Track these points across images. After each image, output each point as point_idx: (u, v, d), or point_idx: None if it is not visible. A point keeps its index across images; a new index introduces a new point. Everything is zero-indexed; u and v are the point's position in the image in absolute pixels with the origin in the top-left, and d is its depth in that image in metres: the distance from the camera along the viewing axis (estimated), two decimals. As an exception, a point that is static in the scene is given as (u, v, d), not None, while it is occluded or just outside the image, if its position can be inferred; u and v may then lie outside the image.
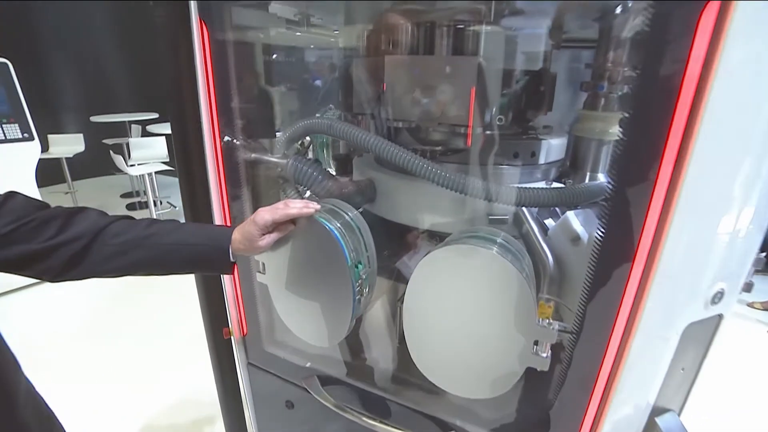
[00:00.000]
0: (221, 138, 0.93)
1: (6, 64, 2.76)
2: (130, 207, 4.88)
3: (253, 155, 0.97)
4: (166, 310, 2.70)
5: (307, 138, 1.28)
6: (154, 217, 3.81)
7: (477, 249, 0.66)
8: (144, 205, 4.78)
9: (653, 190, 0.53)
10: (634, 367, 0.65)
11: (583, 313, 0.66)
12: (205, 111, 0.92)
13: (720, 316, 0.73)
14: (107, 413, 1.98)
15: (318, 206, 0.72)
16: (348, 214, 0.82)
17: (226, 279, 1.11)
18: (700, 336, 0.73)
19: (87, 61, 5.49)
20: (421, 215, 0.96)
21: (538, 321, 0.64)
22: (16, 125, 2.84)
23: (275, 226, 0.72)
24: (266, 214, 0.70)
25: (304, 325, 0.88)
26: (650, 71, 0.51)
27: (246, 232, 0.71)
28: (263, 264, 0.87)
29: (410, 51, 0.91)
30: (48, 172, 4.45)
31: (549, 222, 1.00)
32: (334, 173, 1.34)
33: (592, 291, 0.65)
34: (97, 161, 5.09)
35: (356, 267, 0.78)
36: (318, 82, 1.53)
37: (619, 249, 0.60)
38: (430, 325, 0.73)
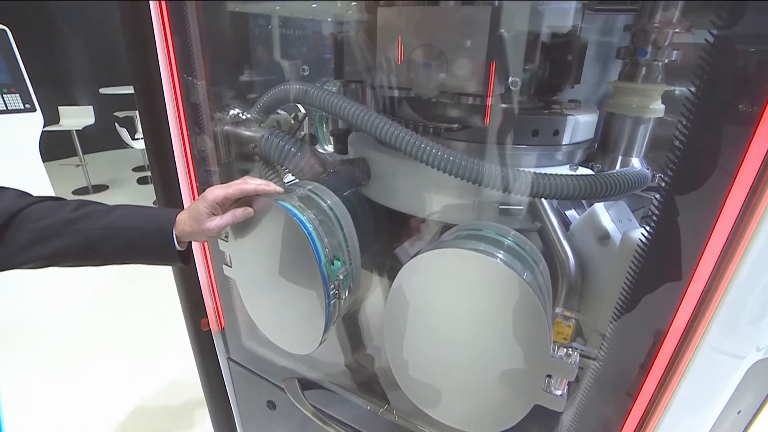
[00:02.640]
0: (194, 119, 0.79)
1: (5, 30, 2.66)
2: (142, 181, 4.84)
3: (225, 127, 0.83)
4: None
5: (302, 110, 1.13)
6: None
7: (477, 255, 0.51)
8: (154, 180, 4.74)
9: (731, 186, 0.37)
10: (681, 410, 0.50)
11: (615, 336, 0.51)
12: (166, 78, 0.78)
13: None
14: (102, 389, 1.94)
15: (280, 189, 0.60)
16: (326, 202, 0.68)
17: (200, 268, 0.99)
18: (763, 375, 0.57)
19: (98, 33, 5.39)
20: (420, 202, 0.81)
21: (553, 350, 0.49)
22: (17, 95, 2.76)
23: (229, 204, 0.61)
24: (218, 189, 0.60)
25: (274, 328, 0.75)
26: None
27: (193, 210, 0.59)
28: (229, 255, 0.74)
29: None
30: (59, 144, 4.44)
31: (572, 214, 0.84)
32: (330, 150, 1.19)
33: (628, 310, 0.49)
34: (109, 134, 5.03)
35: (332, 264, 0.64)
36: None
37: (673, 258, 0.44)
38: (417, 343, 0.59)
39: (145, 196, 4.30)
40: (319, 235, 0.62)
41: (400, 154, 0.68)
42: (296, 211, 0.62)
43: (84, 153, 4.47)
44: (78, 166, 4.59)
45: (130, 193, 4.52)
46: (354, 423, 0.89)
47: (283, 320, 0.71)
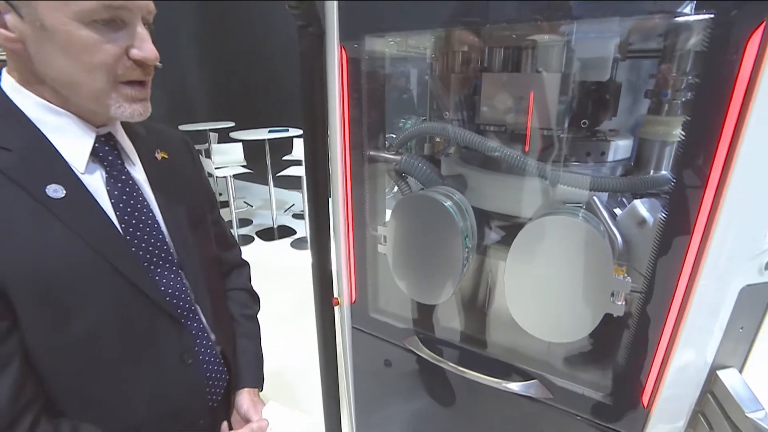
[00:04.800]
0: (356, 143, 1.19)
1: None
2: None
3: (371, 152, 1.22)
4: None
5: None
6: (234, 213, 4.24)
7: (566, 218, 0.86)
8: (222, 205, 5.31)
9: (709, 174, 0.72)
10: (695, 321, 0.83)
11: (652, 273, 0.85)
12: (339, 118, 1.19)
13: (775, 282, 0.89)
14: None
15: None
16: (456, 196, 1.05)
17: (342, 255, 1.37)
18: (757, 299, 0.89)
19: (172, 75, 6.16)
20: (505, 203, 1.17)
21: (615, 276, 0.83)
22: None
23: None
24: None
25: (416, 287, 1.12)
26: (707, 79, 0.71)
27: None
28: (384, 237, 1.12)
29: (500, 68, 1.14)
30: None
31: (617, 211, 1.18)
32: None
33: (659, 252, 0.84)
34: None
35: (464, 239, 1.00)
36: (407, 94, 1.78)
37: (681, 220, 0.78)
38: (526, 281, 0.94)
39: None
40: (458, 217, 0.99)
41: (485, 170, 1.04)
42: (443, 200, 0.99)
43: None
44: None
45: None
46: (461, 365, 1.22)
47: (426, 280, 1.07)
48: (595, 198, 1.09)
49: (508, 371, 1.13)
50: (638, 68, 1.28)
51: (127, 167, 0.67)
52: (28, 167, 0.55)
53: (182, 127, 5.18)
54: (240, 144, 4.49)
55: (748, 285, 0.84)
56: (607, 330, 0.98)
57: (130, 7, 0.53)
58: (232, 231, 4.41)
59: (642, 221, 1.05)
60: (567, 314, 0.91)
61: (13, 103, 0.56)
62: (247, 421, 0.81)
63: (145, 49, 0.55)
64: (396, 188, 1.29)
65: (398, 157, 1.18)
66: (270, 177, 4.50)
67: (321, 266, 1.49)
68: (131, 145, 0.70)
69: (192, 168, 0.82)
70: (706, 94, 0.72)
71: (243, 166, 4.44)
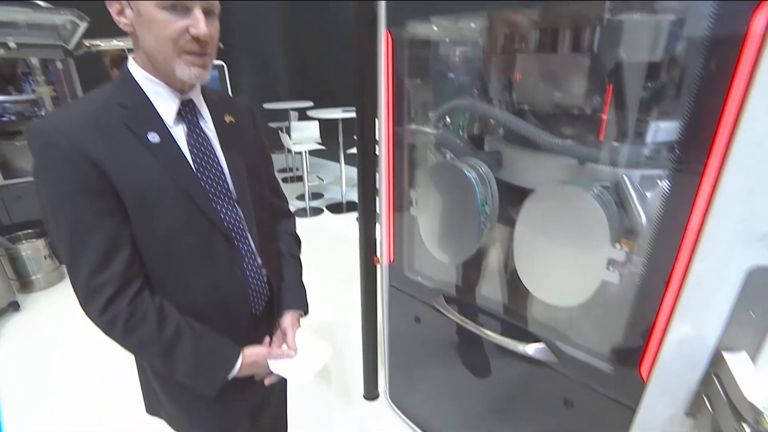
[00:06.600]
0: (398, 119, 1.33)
1: (223, 66, 3.69)
2: (285, 180, 5.88)
3: (414, 126, 1.36)
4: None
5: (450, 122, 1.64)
6: (306, 187, 4.60)
7: (568, 187, 0.94)
8: (297, 179, 5.76)
9: (710, 150, 0.76)
10: (693, 297, 0.86)
11: (653, 248, 0.90)
12: (384, 96, 1.34)
13: (792, 270, 0.88)
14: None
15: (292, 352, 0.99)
16: (482, 169, 1.16)
17: (384, 219, 1.53)
18: (768, 282, 0.88)
19: (259, 57, 6.73)
20: (535, 179, 1.24)
21: (613, 245, 0.89)
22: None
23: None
24: (263, 359, 0.94)
25: (441, 246, 1.25)
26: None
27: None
28: (415, 200, 1.26)
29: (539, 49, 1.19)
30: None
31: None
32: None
33: (660, 228, 0.88)
34: (263, 141, 6.22)
35: (483, 206, 1.10)
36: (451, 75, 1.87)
37: (682, 196, 0.82)
38: (532, 246, 1.02)
39: (290, 192, 5.26)
40: (479, 187, 1.09)
41: (523, 148, 1.12)
42: (467, 171, 1.10)
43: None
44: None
45: (277, 188, 5.57)
46: (479, 325, 1.33)
47: (449, 240, 1.20)
48: (625, 177, 1.12)
49: (520, 334, 1.22)
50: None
51: (201, 124, 0.89)
52: (137, 119, 0.79)
53: (266, 105, 5.66)
54: (316, 122, 4.81)
55: (759, 267, 0.85)
56: (611, 301, 1.03)
57: None
58: (304, 203, 4.82)
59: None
60: (566, 279, 0.98)
61: (131, 75, 0.83)
62: (284, 335, 1.02)
63: (199, 27, 0.76)
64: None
65: (436, 131, 1.30)
66: (341, 154, 4.79)
67: (367, 229, 1.67)
68: (207, 109, 0.91)
69: (253, 131, 1.03)
70: (711, 67, 0.75)
71: (318, 143, 4.77)
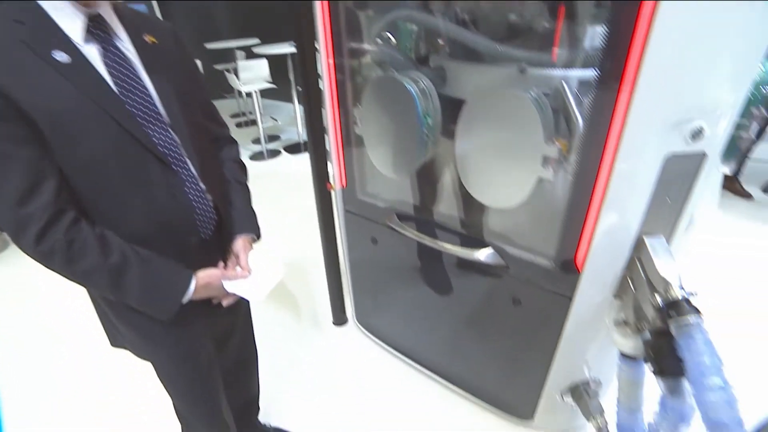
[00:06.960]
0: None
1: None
2: (239, 125, 5.63)
3: (354, 44, 1.31)
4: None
5: (394, 41, 1.59)
6: (261, 129, 4.43)
7: (503, 90, 0.96)
8: (251, 123, 5.52)
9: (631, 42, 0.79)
10: (619, 186, 0.93)
11: (583, 142, 0.95)
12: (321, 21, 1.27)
13: (703, 155, 0.96)
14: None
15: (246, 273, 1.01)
16: (423, 82, 1.15)
17: (332, 144, 1.52)
18: (683, 170, 0.96)
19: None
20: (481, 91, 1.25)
21: (547, 142, 0.94)
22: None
23: None
24: (217, 280, 0.96)
25: (387, 162, 1.26)
26: None
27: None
28: (359, 119, 1.25)
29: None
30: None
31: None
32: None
33: (590, 122, 0.92)
34: (208, 85, 5.84)
35: (425, 117, 1.11)
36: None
37: (608, 90, 0.86)
38: (473, 151, 1.06)
39: (245, 137, 5.05)
40: (420, 99, 1.09)
41: (466, 62, 1.11)
42: (408, 84, 1.09)
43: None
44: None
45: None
46: (432, 238, 1.39)
47: (395, 154, 1.21)
48: (563, 83, 1.15)
49: (470, 242, 1.29)
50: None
51: (117, 44, 0.82)
52: (36, 36, 0.75)
53: (208, 45, 5.25)
54: (265, 60, 4.53)
55: (673, 155, 0.92)
56: (550, 201, 1.10)
57: None
58: (260, 146, 4.65)
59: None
60: (506, 180, 1.03)
61: None
62: (237, 258, 1.03)
63: None
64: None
65: (376, 48, 1.26)
66: (294, 92, 4.59)
67: (317, 157, 1.66)
68: (120, 25, 0.84)
69: (180, 54, 0.96)
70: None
71: (268, 82, 4.53)
